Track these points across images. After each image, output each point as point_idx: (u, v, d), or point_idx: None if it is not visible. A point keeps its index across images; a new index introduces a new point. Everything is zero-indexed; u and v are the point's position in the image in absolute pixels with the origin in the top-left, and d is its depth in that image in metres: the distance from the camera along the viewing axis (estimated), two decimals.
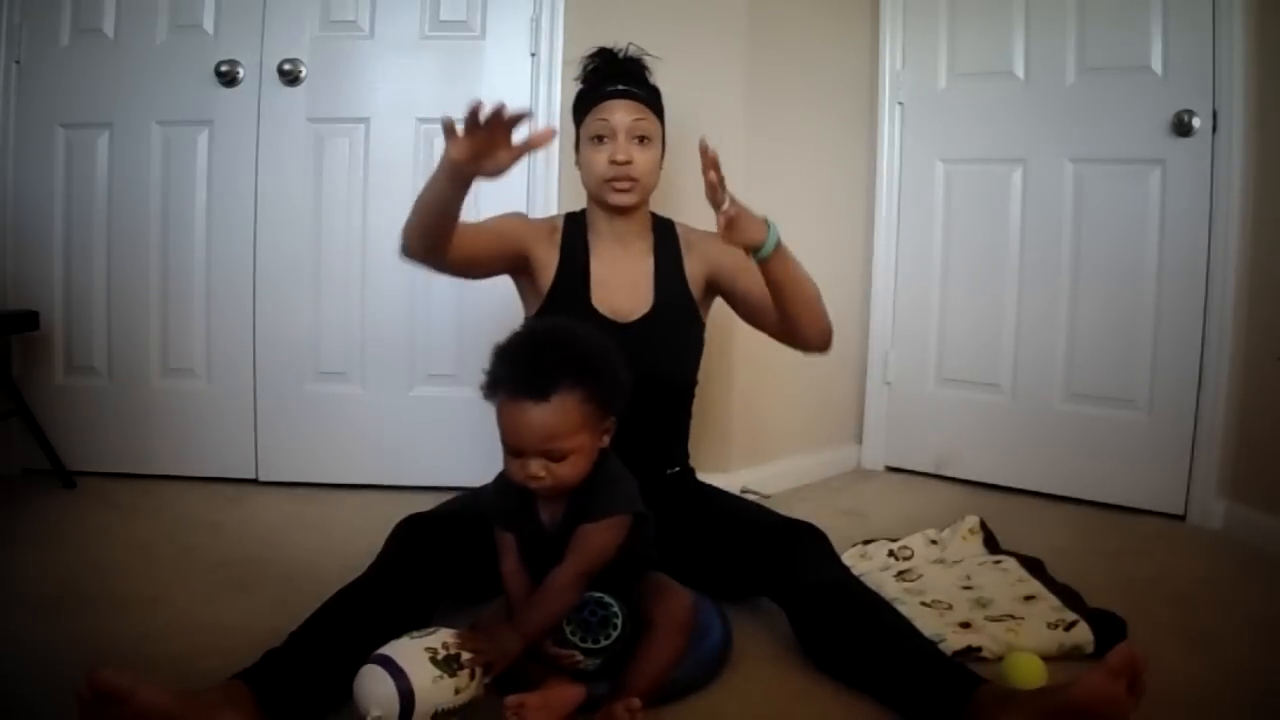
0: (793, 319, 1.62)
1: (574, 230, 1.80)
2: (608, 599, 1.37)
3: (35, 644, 1.49)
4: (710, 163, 1.40)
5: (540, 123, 2.32)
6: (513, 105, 1.32)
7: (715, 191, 1.42)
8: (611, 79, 1.74)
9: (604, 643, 1.34)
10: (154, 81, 2.40)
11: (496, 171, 1.38)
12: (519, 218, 1.83)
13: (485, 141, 1.34)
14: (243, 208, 2.40)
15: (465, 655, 1.24)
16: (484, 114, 1.31)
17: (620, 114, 1.71)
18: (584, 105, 1.77)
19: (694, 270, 1.80)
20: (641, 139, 1.72)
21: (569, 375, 1.30)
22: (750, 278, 1.63)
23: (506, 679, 1.29)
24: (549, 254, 1.78)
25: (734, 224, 1.45)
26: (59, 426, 2.43)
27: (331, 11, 2.36)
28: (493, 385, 1.33)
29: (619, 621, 1.35)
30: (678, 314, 1.79)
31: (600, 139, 1.72)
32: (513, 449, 1.33)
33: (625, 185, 1.72)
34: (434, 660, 1.23)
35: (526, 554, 1.42)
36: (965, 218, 2.65)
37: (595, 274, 1.77)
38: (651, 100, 1.77)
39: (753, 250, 1.50)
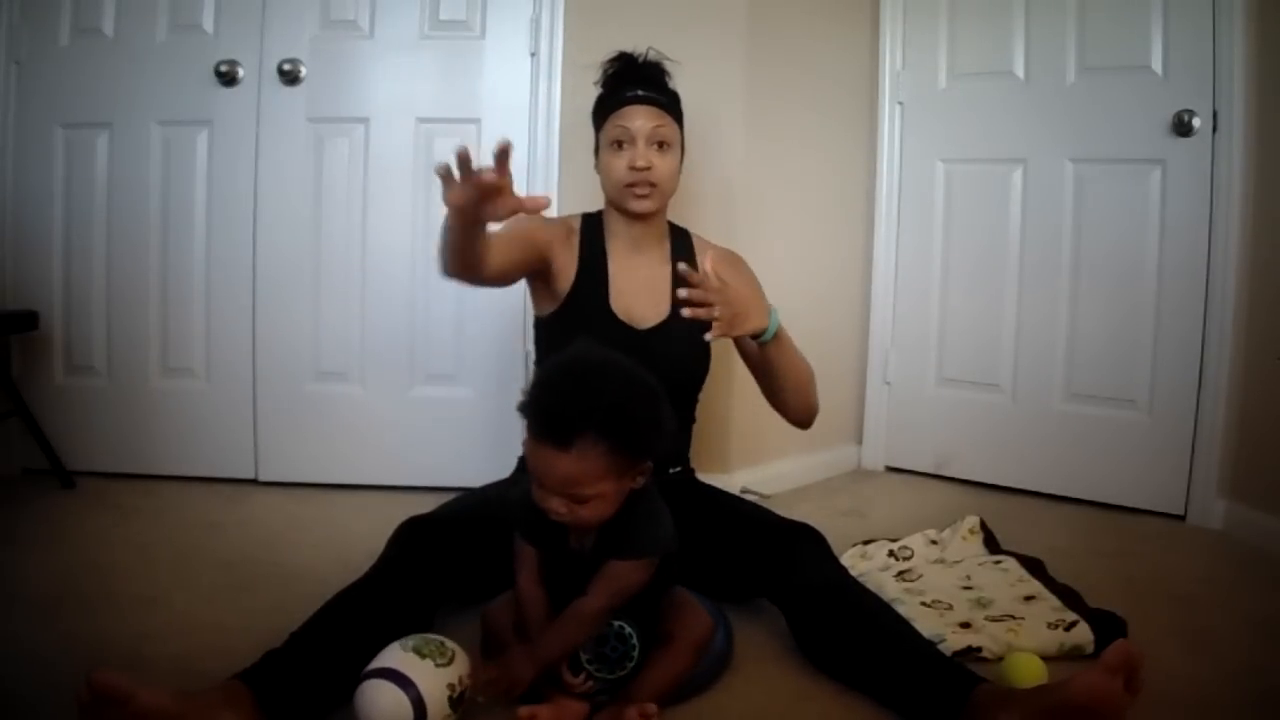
0: (777, 392, 1.62)
1: (591, 233, 1.80)
2: (628, 630, 1.34)
3: (35, 644, 1.49)
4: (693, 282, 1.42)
5: (540, 126, 2.33)
6: (501, 141, 1.23)
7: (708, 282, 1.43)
8: (632, 84, 1.74)
9: (619, 674, 1.34)
10: (154, 81, 2.40)
11: (499, 216, 1.31)
12: (537, 218, 1.80)
13: (486, 187, 1.25)
14: (242, 208, 2.40)
15: (469, 693, 1.25)
16: (476, 160, 1.24)
17: (640, 120, 1.71)
18: (604, 110, 1.77)
19: None
20: (661, 145, 1.72)
21: (594, 426, 1.21)
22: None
23: None
24: (567, 256, 1.77)
25: (731, 322, 1.44)
26: (59, 426, 2.43)
27: (331, 11, 2.36)
28: (523, 412, 1.27)
29: (636, 655, 1.34)
30: (691, 322, 1.78)
31: (620, 145, 1.72)
32: (536, 482, 1.28)
33: (644, 191, 1.72)
34: (450, 699, 1.23)
35: (548, 572, 1.38)
36: (965, 218, 2.65)
37: (614, 279, 1.77)
38: (671, 106, 1.77)
39: (753, 337, 1.47)
